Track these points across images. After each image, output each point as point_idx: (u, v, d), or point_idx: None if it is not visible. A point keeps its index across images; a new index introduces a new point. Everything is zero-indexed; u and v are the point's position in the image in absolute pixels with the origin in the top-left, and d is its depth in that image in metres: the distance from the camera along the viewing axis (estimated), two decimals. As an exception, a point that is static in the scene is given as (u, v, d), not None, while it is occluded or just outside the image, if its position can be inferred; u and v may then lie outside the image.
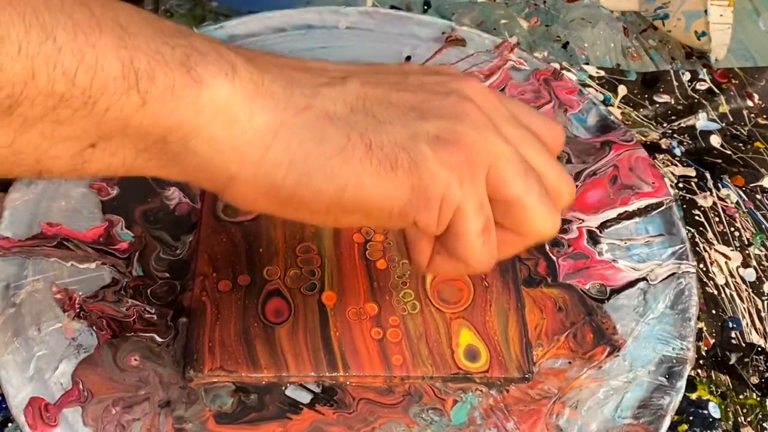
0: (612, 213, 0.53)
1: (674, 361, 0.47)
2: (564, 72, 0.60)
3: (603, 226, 0.52)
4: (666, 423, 0.45)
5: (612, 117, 0.57)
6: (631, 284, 0.50)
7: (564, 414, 0.45)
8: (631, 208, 0.53)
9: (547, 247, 0.51)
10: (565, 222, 0.52)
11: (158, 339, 0.46)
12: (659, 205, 0.53)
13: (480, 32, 0.61)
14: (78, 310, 0.46)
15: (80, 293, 0.47)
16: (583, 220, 0.52)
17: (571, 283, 0.50)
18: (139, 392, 0.44)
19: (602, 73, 0.63)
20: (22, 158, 0.30)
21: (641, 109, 0.61)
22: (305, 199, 0.34)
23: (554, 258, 0.50)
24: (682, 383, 0.46)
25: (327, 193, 0.33)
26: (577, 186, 0.53)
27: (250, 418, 0.43)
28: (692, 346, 0.47)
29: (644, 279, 0.50)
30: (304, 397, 0.44)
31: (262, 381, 0.44)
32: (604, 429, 0.44)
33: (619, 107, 0.61)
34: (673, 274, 0.50)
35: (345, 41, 0.60)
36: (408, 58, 0.59)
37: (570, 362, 0.47)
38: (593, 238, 0.51)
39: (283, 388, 0.45)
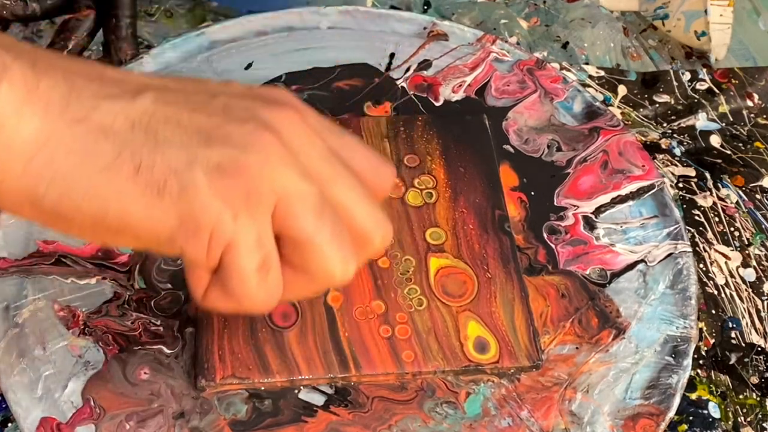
0: (605, 198, 0.53)
1: (679, 339, 0.47)
2: (564, 72, 0.60)
3: (598, 211, 0.53)
4: (676, 402, 0.45)
5: (597, 103, 0.58)
6: (630, 267, 0.50)
7: (576, 399, 0.45)
8: (623, 191, 0.54)
9: (545, 235, 0.51)
10: (561, 209, 0.52)
11: (166, 350, 0.45)
12: (651, 187, 0.54)
13: (461, 26, 0.61)
14: (83, 327, 0.45)
15: (83, 309, 0.46)
16: (578, 207, 0.53)
17: (571, 270, 0.50)
18: (152, 405, 0.43)
19: (602, 73, 0.63)
20: None
21: (641, 109, 0.62)
22: (68, 215, 0.32)
23: (553, 245, 0.51)
24: (688, 361, 0.47)
25: (88, 211, 0.32)
26: (568, 173, 0.54)
27: (266, 424, 0.43)
28: (695, 324, 0.48)
29: (642, 261, 0.51)
30: (318, 400, 0.44)
31: (275, 386, 0.44)
32: (616, 411, 0.45)
33: (619, 107, 0.61)
34: (671, 254, 0.51)
35: (327, 41, 0.59)
36: (392, 55, 0.59)
37: (577, 347, 0.47)
38: (589, 224, 0.52)
39: (296, 391, 0.44)
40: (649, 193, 0.54)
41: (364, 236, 0.36)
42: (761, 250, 0.55)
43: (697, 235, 0.55)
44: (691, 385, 0.48)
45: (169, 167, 0.32)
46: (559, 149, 0.55)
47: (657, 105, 0.62)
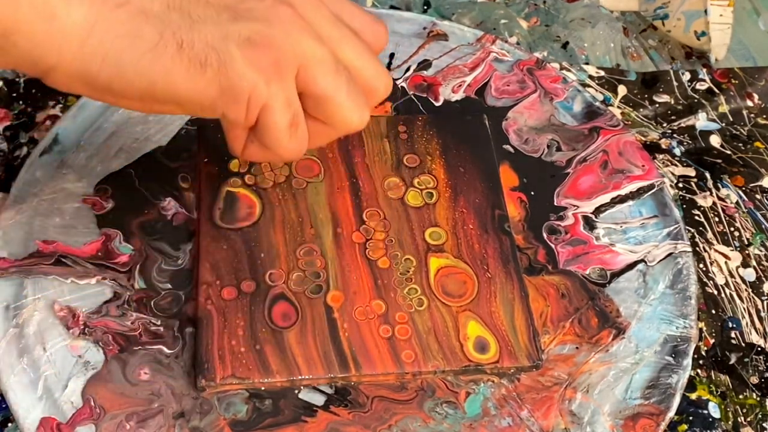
0: (605, 198, 0.53)
1: (679, 339, 0.47)
2: (564, 72, 0.60)
3: (598, 211, 0.53)
4: (676, 401, 0.45)
5: (597, 103, 0.58)
6: (630, 267, 0.50)
7: (576, 399, 0.45)
8: (623, 191, 0.54)
9: (545, 235, 0.51)
10: (561, 209, 0.52)
11: (166, 351, 0.45)
12: (651, 187, 0.54)
13: (461, 26, 0.61)
14: (82, 327, 0.45)
15: (83, 309, 0.46)
16: (577, 207, 0.53)
17: (571, 270, 0.50)
18: (152, 405, 0.43)
19: (602, 73, 0.63)
20: None
21: (641, 109, 0.61)
22: (119, 90, 0.36)
23: (553, 245, 0.51)
24: (688, 361, 0.47)
25: (139, 86, 0.36)
26: (568, 173, 0.54)
27: (266, 424, 0.43)
28: (695, 323, 0.48)
29: (642, 261, 0.51)
30: (318, 400, 0.44)
31: (275, 386, 0.44)
32: (616, 411, 0.45)
33: (619, 107, 0.61)
34: (671, 254, 0.51)
35: (327, 41, 0.59)
36: (392, 55, 0.59)
37: (577, 347, 0.47)
38: (589, 224, 0.52)
39: (296, 391, 0.44)
40: (649, 193, 0.54)
41: (370, 87, 0.40)
42: (761, 250, 0.55)
43: (697, 235, 0.55)
44: (691, 385, 0.48)
45: (207, 43, 0.36)
46: (559, 149, 0.55)
47: (657, 105, 0.62)
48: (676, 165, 0.58)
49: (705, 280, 0.53)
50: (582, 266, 0.50)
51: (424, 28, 0.61)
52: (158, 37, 0.35)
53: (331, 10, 0.40)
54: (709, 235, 0.55)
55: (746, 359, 0.50)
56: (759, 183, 0.58)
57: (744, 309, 0.52)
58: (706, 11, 0.63)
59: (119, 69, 0.35)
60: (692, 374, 0.49)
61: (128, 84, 0.35)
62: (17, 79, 0.58)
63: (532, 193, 0.53)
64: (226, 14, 0.37)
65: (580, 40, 0.65)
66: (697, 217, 0.56)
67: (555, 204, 0.53)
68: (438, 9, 0.67)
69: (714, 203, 0.57)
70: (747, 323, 0.51)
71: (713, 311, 0.52)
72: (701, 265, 0.53)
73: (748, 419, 0.48)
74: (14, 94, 0.57)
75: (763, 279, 0.53)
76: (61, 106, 0.57)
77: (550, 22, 0.66)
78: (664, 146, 0.59)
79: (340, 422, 0.44)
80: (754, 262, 0.54)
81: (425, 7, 0.67)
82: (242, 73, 0.36)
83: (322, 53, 0.38)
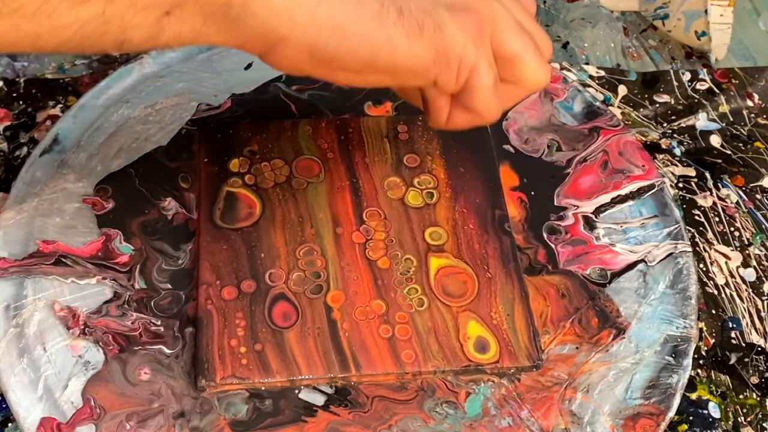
0: (605, 198, 0.53)
1: (679, 339, 0.47)
2: (564, 72, 0.60)
3: (598, 211, 0.53)
4: (676, 401, 0.45)
5: (597, 103, 0.58)
6: (630, 267, 0.50)
7: (576, 399, 0.45)
8: (623, 191, 0.54)
9: (545, 235, 0.51)
10: (561, 209, 0.52)
11: (166, 351, 0.45)
12: (651, 187, 0.54)
13: (461, 26, 0.61)
14: (83, 327, 0.45)
15: (83, 309, 0.46)
16: (578, 207, 0.53)
17: (571, 270, 0.50)
18: (152, 405, 0.43)
19: (602, 73, 0.63)
20: (109, 28, 0.33)
21: (641, 109, 0.61)
22: (343, 60, 0.36)
23: (553, 245, 0.51)
24: (688, 361, 0.47)
25: (362, 54, 0.36)
26: (568, 173, 0.54)
27: (266, 424, 0.43)
28: (695, 323, 0.48)
29: (642, 261, 0.51)
30: (318, 399, 0.44)
31: (275, 386, 0.44)
32: (616, 411, 0.45)
33: (619, 107, 0.61)
34: (671, 254, 0.51)
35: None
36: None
37: (577, 347, 0.47)
38: (589, 224, 0.52)
39: (296, 391, 0.44)
40: (649, 193, 0.54)
41: (542, 47, 0.41)
42: (761, 250, 0.55)
43: (697, 235, 0.55)
44: (691, 385, 0.48)
45: (422, 9, 0.37)
46: (559, 149, 0.55)
47: (657, 105, 0.62)
48: (676, 165, 0.58)
49: (705, 280, 0.53)
50: (582, 266, 0.50)
51: (424, 28, 0.61)
52: (379, 5, 0.36)
53: None
54: (709, 235, 0.55)
55: (746, 359, 0.50)
56: (759, 183, 0.58)
57: (744, 309, 0.52)
58: (706, 11, 0.64)
59: (346, 38, 0.36)
60: (692, 374, 0.49)
61: (352, 53, 0.36)
62: (17, 79, 0.58)
63: (532, 193, 0.53)
64: None
65: (580, 40, 0.65)
66: (697, 217, 0.56)
67: (555, 204, 0.53)
68: (438, 9, 0.67)
69: (714, 203, 0.57)
70: (747, 323, 0.51)
71: (713, 311, 0.52)
72: (701, 265, 0.53)
73: (748, 419, 0.48)
74: (14, 94, 0.57)
75: (763, 279, 0.53)
76: (61, 106, 0.57)
77: (550, 22, 0.66)
78: (664, 146, 0.59)
79: (340, 422, 0.44)
80: (754, 262, 0.54)
81: (425, 8, 0.67)
82: (454, 35, 0.37)
83: (509, 16, 0.40)
